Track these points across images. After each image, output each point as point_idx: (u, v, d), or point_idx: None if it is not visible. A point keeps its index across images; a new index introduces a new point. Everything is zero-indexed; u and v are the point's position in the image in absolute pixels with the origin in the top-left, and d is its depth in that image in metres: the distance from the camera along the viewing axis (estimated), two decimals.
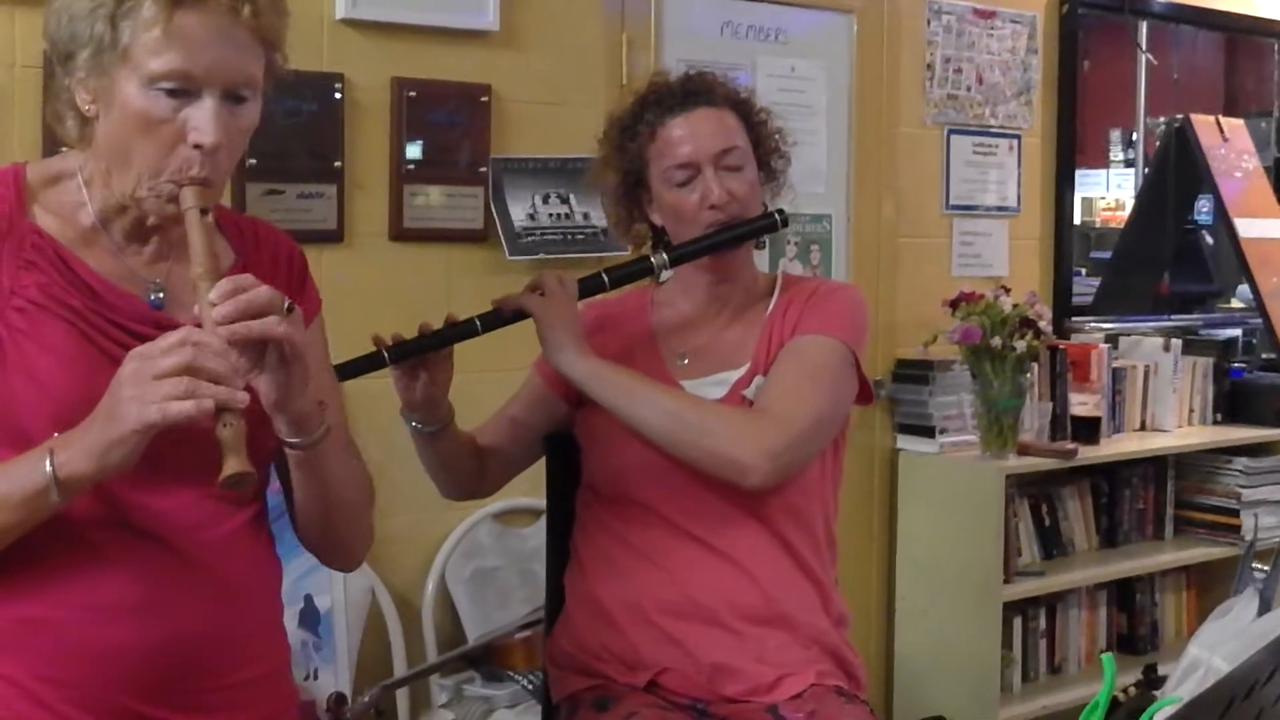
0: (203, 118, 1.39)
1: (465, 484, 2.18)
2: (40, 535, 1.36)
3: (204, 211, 1.40)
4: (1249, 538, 3.83)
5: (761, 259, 3.25)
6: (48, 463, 1.31)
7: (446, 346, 1.98)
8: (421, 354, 1.96)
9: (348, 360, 1.96)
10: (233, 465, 1.30)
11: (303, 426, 1.46)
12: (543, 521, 2.88)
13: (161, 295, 1.48)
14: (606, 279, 2.05)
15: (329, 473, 1.52)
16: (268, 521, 1.59)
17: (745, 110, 2.09)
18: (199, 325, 1.34)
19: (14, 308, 1.40)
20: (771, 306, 2.08)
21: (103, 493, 1.37)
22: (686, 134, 2.02)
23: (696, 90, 2.05)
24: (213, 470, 1.33)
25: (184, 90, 1.38)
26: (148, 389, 1.27)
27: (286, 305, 1.38)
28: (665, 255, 2.04)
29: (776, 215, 2.07)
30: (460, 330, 1.98)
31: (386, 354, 1.93)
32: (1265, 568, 1.35)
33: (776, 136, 2.12)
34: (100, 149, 1.44)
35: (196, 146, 1.39)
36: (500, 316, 2.00)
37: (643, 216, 2.12)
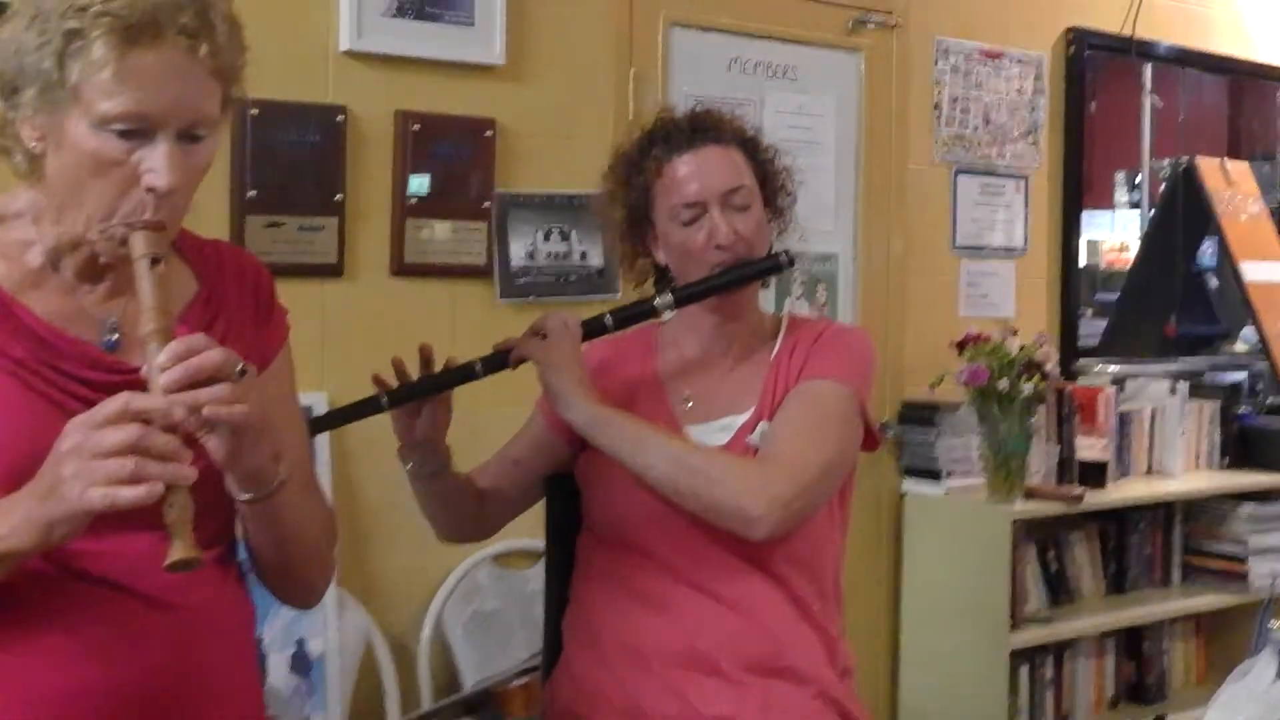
0: (157, 160, 1.33)
1: (463, 526, 2.14)
2: None
3: (154, 261, 1.33)
4: (1257, 585, 3.78)
5: (768, 297, 3.22)
6: None
7: (446, 390, 1.94)
8: (421, 398, 1.91)
9: (345, 405, 1.93)
10: (178, 550, 1.24)
11: (255, 483, 1.40)
12: (543, 563, 2.84)
13: (116, 336, 1.42)
14: (611, 320, 2.01)
15: (284, 519, 1.47)
16: (236, 560, 1.54)
17: (753, 148, 2.05)
18: (144, 385, 1.29)
19: None
20: (777, 349, 2.05)
21: None
22: (694, 172, 1.98)
23: (704, 127, 2.02)
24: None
25: (137, 131, 1.32)
26: (91, 468, 1.22)
27: (240, 368, 1.31)
28: (670, 296, 2.00)
29: (783, 256, 2.03)
30: (460, 374, 1.94)
31: (385, 399, 1.88)
32: None
33: (784, 175, 2.08)
34: (51, 185, 1.38)
35: (150, 189, 1.34)
36: (503, 360, 1.96)
37: (646, 253, 2.08)
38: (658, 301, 2.00)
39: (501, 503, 2.14)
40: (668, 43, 3.26)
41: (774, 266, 2.04)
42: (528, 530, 2.49)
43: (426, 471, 1.99)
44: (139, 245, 1.34)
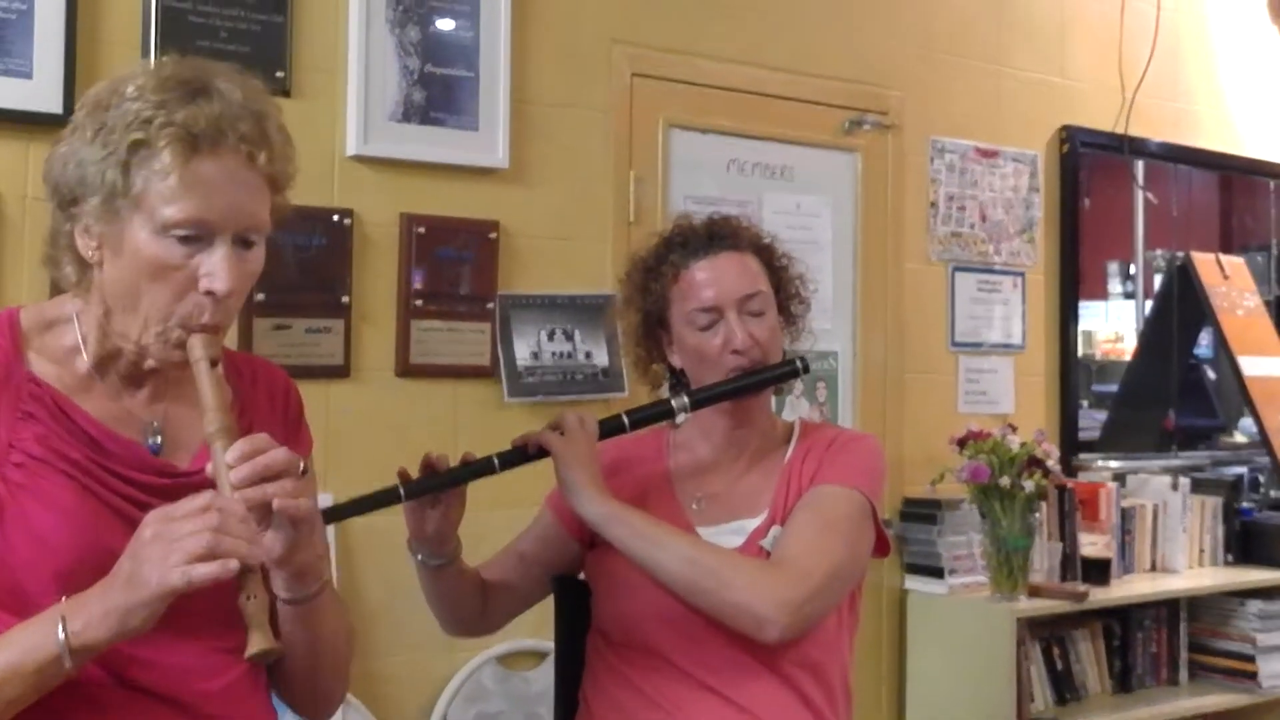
0: (216, 264, 1.37)
1: (468, 621, 2.14)
2: None
3: (213, 363, 1.38)
4: (1267, 685, 3.75)
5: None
6: (60, 629, 1.26)
7: (463, 484, 1.95)
8: (437, 491, 1.92)
9: (362, 496, 1.93)
10: (259, 641, 1.27)
11: (303, 582, 1.44)
12: (548, 664, 2.82)
13: (159, 439, 1.46)
14: (627, 421, 2.02)
15: (322, 625, 1.49)
16: (265, 672, 1.55)
17: (768, 255, 2.08)
18: (197, 486, 1.32)
19: (13, 463, 1.37)
20: (790, 454, 2.06)
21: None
22: (710, 277, 2.01)
23: (721, 234, 2.05)
24: (216, 623, 1.31)
25: (197, 236, 1.36)
26: (170, 549, 1.25)
27: (301, 466, 1.36)
28: (686, 399, 2.01)
29: (799, 362, 2.05)
30: (477, 468, 1.95)
31: (402, 490, 1.90)
32: None
33: (797, 282, 2.11)
34: (104, 293, 1.41)
35: (208, 293, 1.37)
36: (519, 456, 1.97)
37: (661, 357, 2.10)
38: (675, 403, 2.01)
39: (507, 598, 2.14)
40: (667, 145, 3.31)
41: (791, 372, 2.06)
42: (532, 630, 2.49)
43: (435, 564, 1.99)
44: (197, 348, 1.38)
